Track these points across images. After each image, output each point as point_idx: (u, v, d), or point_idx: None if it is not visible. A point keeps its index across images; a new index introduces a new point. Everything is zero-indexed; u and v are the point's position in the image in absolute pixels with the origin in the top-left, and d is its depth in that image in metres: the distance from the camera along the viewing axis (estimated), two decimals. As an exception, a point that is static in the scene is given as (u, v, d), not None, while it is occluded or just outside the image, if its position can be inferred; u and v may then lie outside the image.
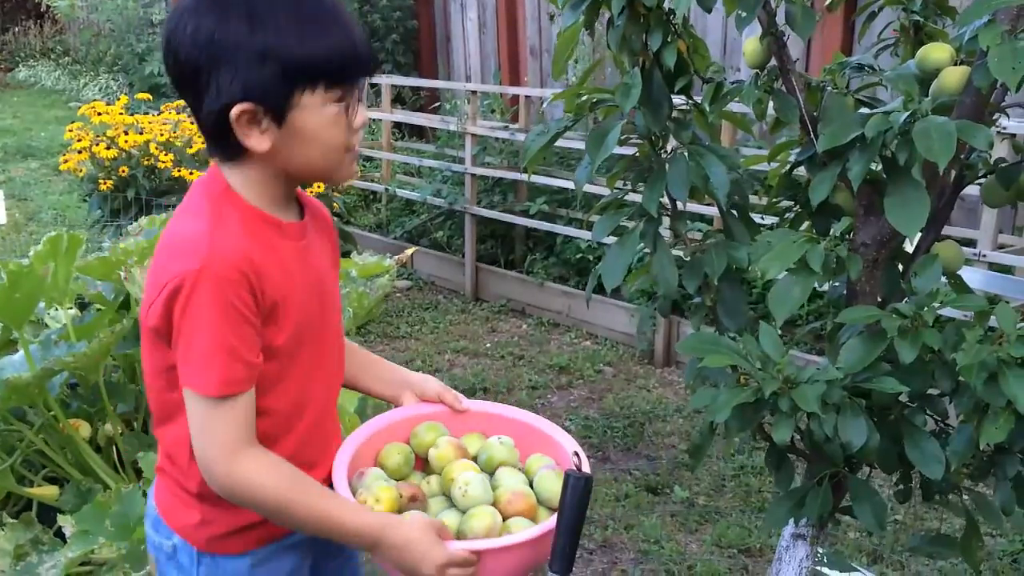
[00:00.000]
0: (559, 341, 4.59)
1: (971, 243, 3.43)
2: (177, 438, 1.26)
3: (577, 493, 1.20)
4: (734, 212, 1.64)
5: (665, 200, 1.61)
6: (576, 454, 1.29)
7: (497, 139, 5.25)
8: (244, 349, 1.18)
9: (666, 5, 1.48)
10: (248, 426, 1.21)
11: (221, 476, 1.20)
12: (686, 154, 1.55)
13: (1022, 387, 1.20)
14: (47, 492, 2.44)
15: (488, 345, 4.54)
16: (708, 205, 1.56)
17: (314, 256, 1.33)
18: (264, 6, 1.18)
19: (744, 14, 1.40)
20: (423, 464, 1.49)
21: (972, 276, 2.97)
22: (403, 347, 4.48)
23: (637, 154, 1.66)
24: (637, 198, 1.60)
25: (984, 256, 3.27)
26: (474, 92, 5.27)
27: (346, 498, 1.27)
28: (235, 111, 1.17)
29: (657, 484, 3.17)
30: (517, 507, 1.35)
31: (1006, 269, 3.37)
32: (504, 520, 1.34)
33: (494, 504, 1.36)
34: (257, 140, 1.19)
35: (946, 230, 3.76)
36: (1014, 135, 3.06)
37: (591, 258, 4.76)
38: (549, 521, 1.29)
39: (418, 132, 7.47)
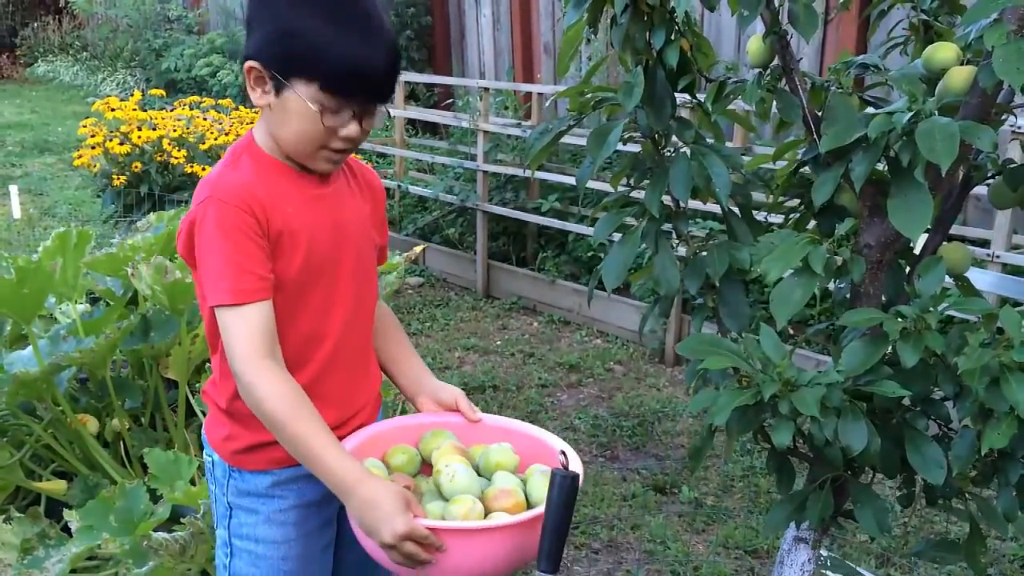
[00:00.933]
0: (570, 339, 4.58)
1: (985, 244, 3.40)
2: (217, 360, 1.42)
3: (563, 491, 1.19)
4: (736, 212, 1.62)
5: (669, 199, 1.60)
6: (563, 453, 1.28)
7: (510, 136, 5.24)
8: (252, 263, 1.30)
9: (669, 3, 1.46)
10: (267, 335, 1.31)
11: (241, 377, 1.31)
12: (688, 153, 1.54)
13: (1024, 393, 1.18)
14: (55, 487, 2.46)
15: (499, 342, 4.54)
16: (715, 203, 1.54)
17: (340, 206, 1.43)
18: None
19: (747, 13, 1.39)
20: (430, 470, 1.50)
21: (982, 278, 2.94)
22: (414, 344, 4.47)
23: (640, 153, 1.65)
24: (642, 195, 1.59)
25: (998, 257, 3.23)
26: (487, 89, 5.26)
27: (336, 442, 1.31)
28: (247, 65, 1.33)
29: (665, 484, 3.15)
30: (503, 503, 1.35)
31: (1020, 270, 3.33)
32: (488, 514, 1.35)
33: (481, 498, 1.36)
34: (258, 97, 1.34)
35: (960, 231, 3.74)
36: (1029, 134, 3.02)
37: (602, 256, 4.74)
38: (523, 514, 1.28)
39: (431, 128, 7.47)
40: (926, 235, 1.58)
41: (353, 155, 1.49)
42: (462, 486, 1.39)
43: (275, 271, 1.34)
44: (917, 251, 1.55)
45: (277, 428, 1.30)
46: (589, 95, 1.66)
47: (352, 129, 1.33)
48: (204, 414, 2.17)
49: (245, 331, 1.30)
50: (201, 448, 1.64)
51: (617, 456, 3.39)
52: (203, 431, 1.52)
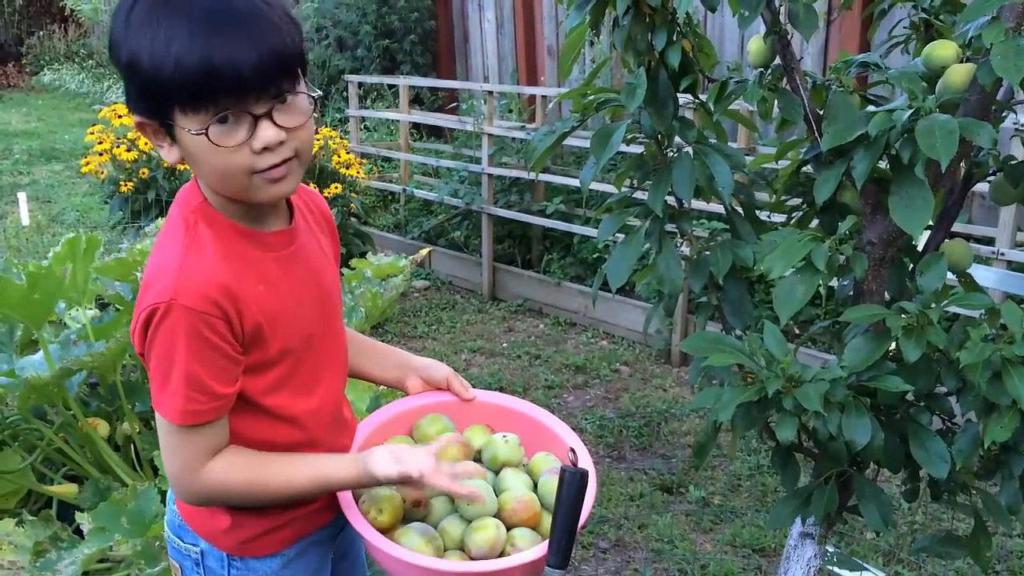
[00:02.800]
0: (576, 341, 4.59)
1: (991, 241, 3.41)
2: None
3: (572, 489, 1.20)
4: (739, 211, 1.64)
5: (672, 200, 1.62)
6: (572, 450, 1.28)
7: (514, 139, 5.26)
8: (211, 380, 1.15)
9: (671, 5, 1.48)
10: (209, 454, 1.20)
11: (189, 494, 1.23)
12: (691, 153, 1.55)
13: (1026, 386, 1.19)
14: (66, 490, 2.48)
15: (505, 345, 4.55)
16: (718, 203, 1.55)
17: (307, 258, 1.29)
18: (141, 7, 1.09)
19: (747, 13, 1.40)
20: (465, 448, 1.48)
21: (986, 275, 2.94)
22: (420, 347, 4.50)
23: (643, 153, 1.66)
24: (645, 196, 1.60)
25: (1003, 254, 3.24)
26: (491, 92, 5.29)
27: (313, 456, 1.29)
28: (134, 123, 1.16)
29: (672, 483, 3.16)
30: (521, 517, 1.34)
31: (1025, 267, 3.34)
32: (509, 530, 1.33)
33: (499, 513, 1.35)
34: (166, 153, 1.16)
35: (966, 229, 3.74)
36: (1032, 132, 3.02)
37: (608, 257, 4.75)
38: (543, 545, 1.28)
39: (436, 132, 7.50)
40: (929, 232, 1.59)
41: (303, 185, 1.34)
42: (481, 509, 1.35)
43: (259, 355, 1.21)
44: (920, 248, 1.57)
45: (257, 496, 1.24)
46: (592, 97, 1.67)
47: (267, 134, 1.10)
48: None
49: (192, 449, 1.18)
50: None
51: (624, 456, 3.40)
52: (178, 520, 1.34)
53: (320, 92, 1.22)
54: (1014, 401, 1.21)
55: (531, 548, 1.29)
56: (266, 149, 1.11)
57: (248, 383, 1.22)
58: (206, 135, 1.09)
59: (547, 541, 1.23)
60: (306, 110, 1.15)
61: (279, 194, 1.17)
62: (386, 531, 1.31)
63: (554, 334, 4.69)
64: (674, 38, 1.50)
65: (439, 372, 1.51)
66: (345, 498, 1.32)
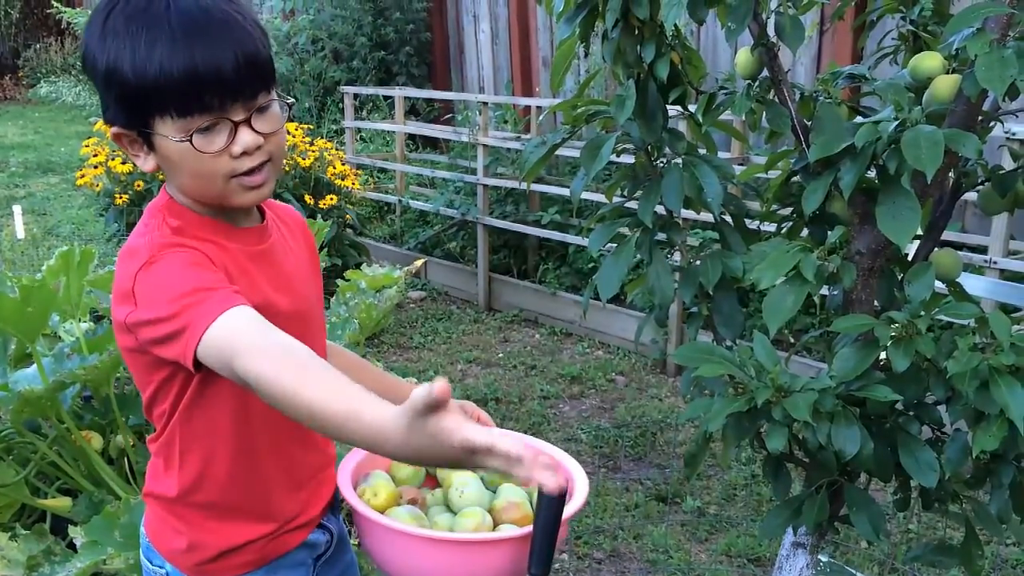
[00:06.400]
0: (571, 351, 4.59)
1: (984, 250, 3.42)
2: (157, 450, 1.26)
3: (552, 509, 1.21)
4: (729, 222, 1.64)
5: (663, 210, 1.63)
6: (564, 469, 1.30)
7: (509, 150, 5.27)
8: (225, 283, 1.09)
9: (659, 18, 1.49)
10: (264, 324, 1.05)
11: (260, 376, 1.01)
12: (680, 164, 1.56)
13: (1014, 395, 1.20)
14: (60, 504, 2.47)
15: (500, 355, 4.55)
16: (709, 213, 1.56)
17: (281, 261, 1.27)
18: (117, 17, 1.10)
19: (734, 26, 1.41)
20: (433, 482, 1.51)
21: (978, 284, 2.95)
22: (416, 357, 4.50)
23: (634, 164, 1.67)
24: (636, 207, 1.61)
25: (995, 263, 3.25)
26: (485, 103, 5.30)
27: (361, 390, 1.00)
28: (111, 133, 1.16)
29: (667, 494, 3.16)
30: (511, 515, 1.36)
31: (1018, 276, 3.34)
32: (496, 526, 1.36)
33: (490, 510, 1.38)
34: (142, 162, 1.16)
35: (959, 237, 3.75)
36: (1022, 141, 3.04)
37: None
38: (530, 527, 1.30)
39: (432, 144, 7.51)
40: (918, 242, 1.60)
41: (280, 202, 1.34)
42: (471, 499, 1.40)
43: None
44: (910, 258, 1.57)
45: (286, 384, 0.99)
46: (582, 109, 1.68)
47: (245, 139, 1.12)
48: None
49: (246, 328, 1.04)
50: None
51: (619, 467, 3.40)
52: (146, 540, 1.31)
53: (295, 99, 1.23)
54: (1002, 410, 1.21)
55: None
56: (244, 154, 1.13)
57: (219, 385, 1.16)
58: (189, 141, 1.10)
59: (525, 530, 1.24)
60: (280, 116, 1.18)
61: (255, 198, 1.19)
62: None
63: (550, 344, 4.69)
64: (662, 51, 1.51)
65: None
66: (344, 479, 1.35)
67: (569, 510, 1.25)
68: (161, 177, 1.20)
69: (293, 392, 0.97)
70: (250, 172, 1.15)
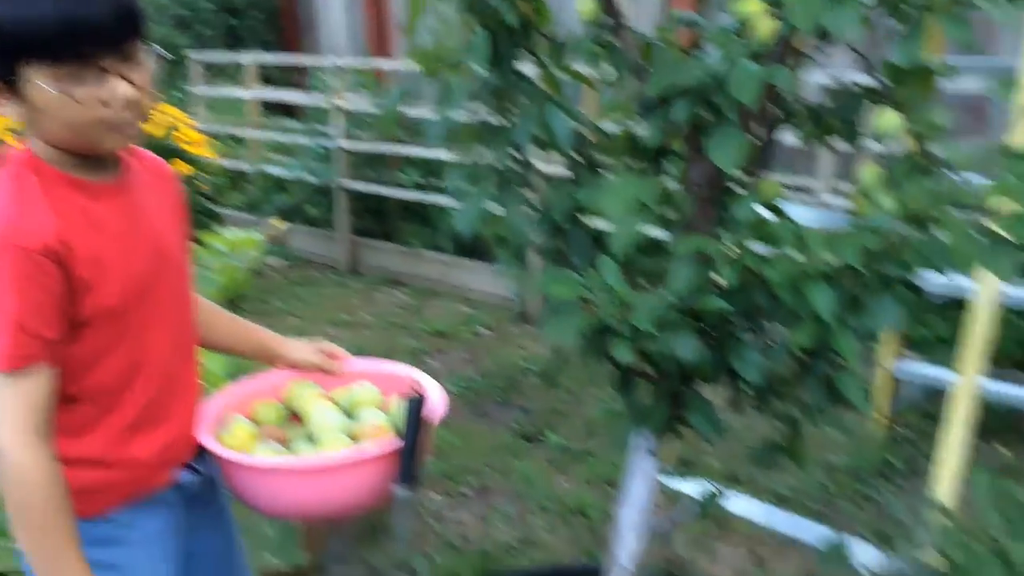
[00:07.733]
0: (437, 308, 4.69)
1: (811, 190, 3.72)
2: None
3: (413, 412, 1.31)
4: (579, 160, 1.77)
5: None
6: (416, 384, 1.40)
7: (368, 113, 5.28)
8: (39, 324, 1.16)
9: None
10: (40, 412, 1.18)
11: (6, 454, 1.16)
12: (530, 106, 1.67)
13: (823, 297, 1.38)
14: None
15: (366, 316, 4.60)
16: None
17: (141, 213, 1.31)
18: None
19: (575, -27, 1.52)
20: (297, 421, 1.58)
21: (806, 214, 3.21)
22: (280, 324, 4.49)
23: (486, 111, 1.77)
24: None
25: (822, 199, 3.55)
26: (340, 67, 5.28)
27: (71, 537, 1.20)
28: None
29: (532, 432, 3.32)
30: (370, 434, 1.45)
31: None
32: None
33: (350, 435, 1.46)
34: (5, 111, 1.18)
35: (789, 178, 4.05)
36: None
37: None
38: (380, 441, 1.39)
39: (289, 112, 7.39)
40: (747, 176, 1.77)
41: (147, 151, 1.39)
42: (330, 426, 1.48)
43: (91, 304, 1.21)
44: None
45: (22, 519, 1.17)
46: (437, 56, 1.76)
47: (118, 88, 1.17)
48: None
49: (21, 403, 1.16)
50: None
51: (487, 412, 3.54)
52: None
53: (161, 49, 1.28)
54: (814, 311, 1.39)
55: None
56: (116, 102, 1.18)
57: (80, 333, 1.23)
58: (63, 90, 1.14)
59: (385, 445, 1.34)
60: (149, 67, 1.23)
61: (124, 144, 1.25)
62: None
63: (415, 303, 4.77)
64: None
65: (304, 356, 1.59)
66: (204, 438, 1.40)
67: (430, 413, 1.36)
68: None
69: (40, 507, 1.17)
70: (120, 119, 1.20)
